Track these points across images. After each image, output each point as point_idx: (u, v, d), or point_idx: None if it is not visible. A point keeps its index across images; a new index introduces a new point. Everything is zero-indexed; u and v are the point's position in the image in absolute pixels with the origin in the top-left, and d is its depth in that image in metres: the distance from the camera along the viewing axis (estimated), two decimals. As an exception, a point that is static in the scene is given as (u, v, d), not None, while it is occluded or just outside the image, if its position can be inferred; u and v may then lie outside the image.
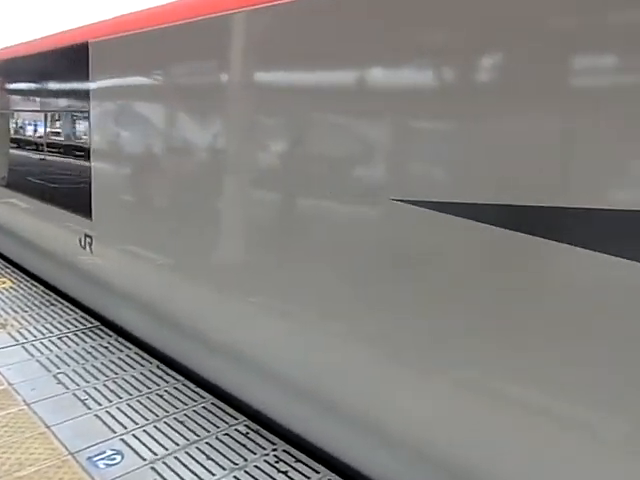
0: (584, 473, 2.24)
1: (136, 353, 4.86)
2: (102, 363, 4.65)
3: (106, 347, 4.97)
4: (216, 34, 3.74)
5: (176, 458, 3.41)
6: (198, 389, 4.25)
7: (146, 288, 4.77)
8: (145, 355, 4.81)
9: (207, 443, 3.58)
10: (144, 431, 3.68)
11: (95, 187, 5.25)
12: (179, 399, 4.11)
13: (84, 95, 5.23)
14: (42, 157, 6.57)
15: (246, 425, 3.78)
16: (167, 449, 3.49)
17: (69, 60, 5.53)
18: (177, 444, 3.55)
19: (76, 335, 5.20)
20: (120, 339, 5.13)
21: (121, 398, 4.08)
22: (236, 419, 3.85)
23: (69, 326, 5.40)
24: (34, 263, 6.96)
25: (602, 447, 2.19)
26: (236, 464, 3.37)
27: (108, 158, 5.22)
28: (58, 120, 6.49)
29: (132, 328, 5.12)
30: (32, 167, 6.81)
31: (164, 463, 3.35)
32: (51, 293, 6.28)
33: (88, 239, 5.39)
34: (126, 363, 4.67)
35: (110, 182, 5.19)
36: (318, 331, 3.25)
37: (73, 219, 5.66)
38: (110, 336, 5.21)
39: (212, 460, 3.40)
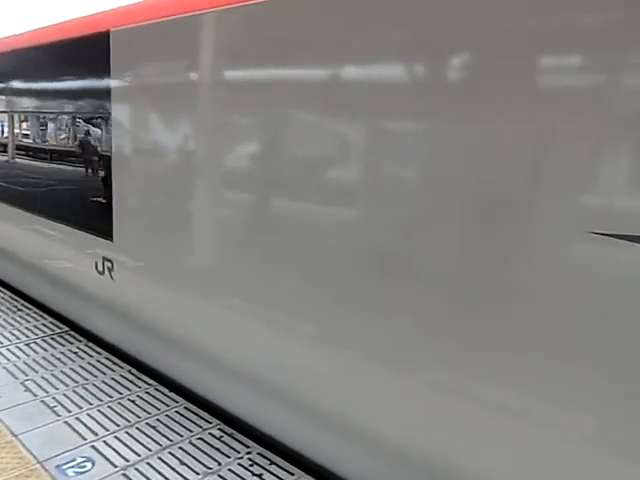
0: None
1: (107, 358, 4.77)
2: (71, 369, 4.55)
3: (75, 352, 4.87)
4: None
5: (148, 464, 3.36)
6: (171, 393, 4.20)
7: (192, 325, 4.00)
8: (116, 360, 4.73)
9: (180, 448, 3.54)
10: (115, 437, 3.62)
11: (118, 203, 4.46)
12: (151, 404, 4.05)
13: (102, 95, 4.51)
14: (45, 166, 5.80)
15: (220, 429, 3.75)
16: (139, 455, 3.44)
17: (83, 53, 4.73)
18: (149, 450, 3.50)
19: (44, 341, 5.08)
20: (90, 344, 5.03)
21: (91, 404, 4.01)
22: (210, 423, 3.82)
23: (37, 332, 5.27)
24: (39, 289, 6.08)
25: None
26: (210, 468, 3.34)
27: (136, 168, 4.41)
28: (66, 125, 5.55)
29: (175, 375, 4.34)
30: (32, 178, 6.00)
31: (136, 469, 3.30)
32: (19, 299, 6.12)
33: (107, 263, 4.65)
34: (96, 368, 4.58)
35: (140, 197, 4.40)
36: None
37: (87, 240, 4.88)
38: (80, 341, 5.10)
39: (185, 465, 3.36)
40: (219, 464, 3.38)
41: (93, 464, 3.32)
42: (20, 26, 5.86)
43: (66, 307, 5.60)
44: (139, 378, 4.43)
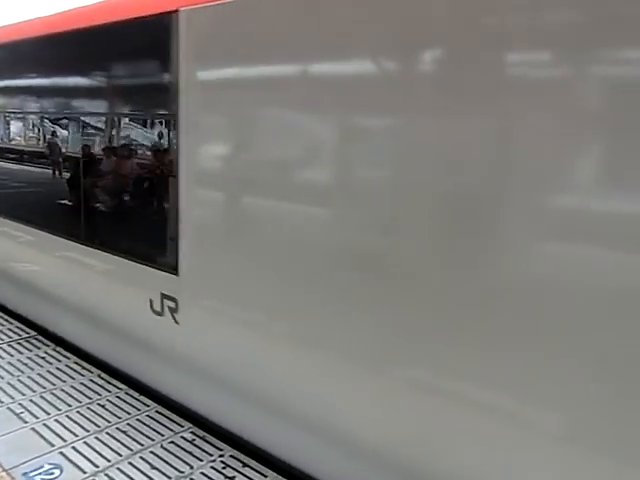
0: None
1: (76, 363, 4.68)
2: (39, 374, 4.45)
3: (43, 357, 4.76)
4: None
5: (119, 469, 3.31)
6: (142, 397, 4.15)
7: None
8: (85, 364, 4.64)
9: (152, 452, 3.50)
10: (85, 443, 3.55)
11: (187, 227, 3.55)
12: (122, 408, 3.99)
13: (163, 91, 3.72)
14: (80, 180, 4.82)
15: (192, 432, 3.72)
16: (109, 460, 3.39)
17: (134, 40, 3.88)
18: (120, 455, 3.45)
19: (10, 346, 4.95)
20: (58, 349, 4.93)
21: (60, 410, 3.92)
22: (182, 426, 3.78)
23: (3, 337, 5.13)
24: (67, 327, 5.05)
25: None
26: (182, 472, 3.31)
27: (215, 182, 3.51)
28: (110, 127, 4.69)
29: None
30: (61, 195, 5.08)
31: (106, 475, 3.25)
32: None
33: (169, 302, 3.68)
34: (65, 373, 4.49)
35: (223, 219, 3.50)
36: None
37: (138, 271, 3.93)
38: (47, 346, 4.99)
39: (157, 469, 3.33)
40: (191, 467, 3.35)
41: (61, 471, 3.25)
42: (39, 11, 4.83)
43: (105, 350, 4.63)
44: (109, 382, 4.36)
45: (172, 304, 3.61)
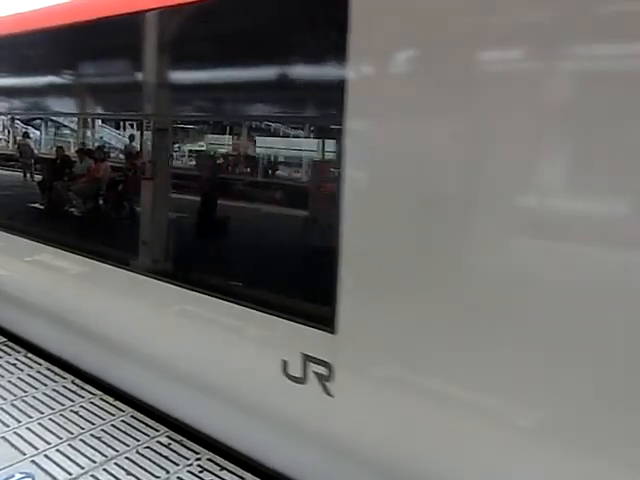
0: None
1: (48, 369, 4.57)
2: (9, 381, 4.34)
3: (14, 364, 4.64)
4: None
5: (93, 476, 3.25)
6: (117, 402, 4.08)
7: None
8: (58, 370, 4.54)
9: (127, 458, 3.44)
10: (57, 450, 3.48)
11: (355, 266, 2.70)
12: (96, 414, 3.92)
13: (319, 90, 2.96)
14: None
15: (168, 436, 3.67)
16: (83, 468, 3.32)
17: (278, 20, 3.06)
18: (94, 462, 3.39)
19: (-21, 353, 4.83)
20: (30, 355, 4.81)
21: (31, 417, 3.83)
22: (157, 431, 3.73)
23: (-29, 344, 5.00)
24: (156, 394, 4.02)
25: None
26: (157, 477, 3.27)
27: (410, 203, 2.53)
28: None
29: None
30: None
31: (80, 482, 3.19)
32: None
33: (317, 367, 2.83)
34: (37, 380, 4.39)
35: (419, 259, 2.54)
36: None
37: (268, 324, 3.09)
38: (18, 352, 4.87)
39: (132, 475, 3.28)
40: (167, 472, 3.31)
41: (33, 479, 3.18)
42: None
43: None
44: (82, 388, 4.27)
45: (322, 370, 2.80)
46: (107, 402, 4.09)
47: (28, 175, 5.63)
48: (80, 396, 4.17)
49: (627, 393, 2.05)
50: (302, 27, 3.01)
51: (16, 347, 4.97)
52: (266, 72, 3.34)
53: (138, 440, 3.62)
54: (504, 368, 2.28)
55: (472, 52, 2.30)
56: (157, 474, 3.29)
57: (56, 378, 4.43)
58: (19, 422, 3.77)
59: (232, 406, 3.39)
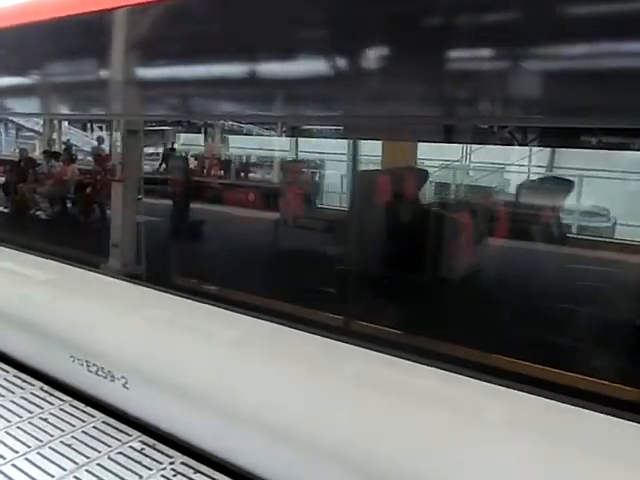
0: None
1: (15, 376, 4.45)
2: (-26, 390, 4.22)
3: (-21, 372, 4.52)
4: None
5: (63, 484, 3.19)
6: (88, 408, 4.00)
7: None
8: (25, 377, 4.43)
9: (98, 464, 3.38)
10: (26, 459, 3.39)
11: None
12: (66, 421, 3.84)
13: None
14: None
15: (141, 441, 3.62)
16: (52, 476, 3.25)
17: None
18: (64, 469, 3.32)
19: (-58, 362, 4.67)
20: (-4, 362, 4.69)
21: (-2, 426, 3.74)
22: (130, 435, 3.68)
23: None
24: None
25: None
26: (130, 483, 3.23)
27: None
28: None
29: None
30: None
31: (49, 491, 3.13)
32: None
33: None
34: (3, 387, 4.27)
35: None
36: None
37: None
38: (-16, 360, 4.74)
39: (104, 481, 3.23)
40: (140, 477, 3.27)
41: (0, 489, 3.11)
42: None
43: None
44: (52, 395, 4.18)
45: None
46: (77, 408, 4.01)
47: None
48: (49, 403, 4.07)
49: None
50: None
51: (-19, 355, 4.83)
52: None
53: (110, 446, 3.57)
54: None
55: None
56: (130, 479, 3.25)
57: (24, 385, 4.32)
58: (-15, 431, 3.67)
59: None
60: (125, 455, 3.47)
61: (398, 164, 3.30)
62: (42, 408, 4.00)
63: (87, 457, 3.44)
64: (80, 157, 4.98)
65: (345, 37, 2.71)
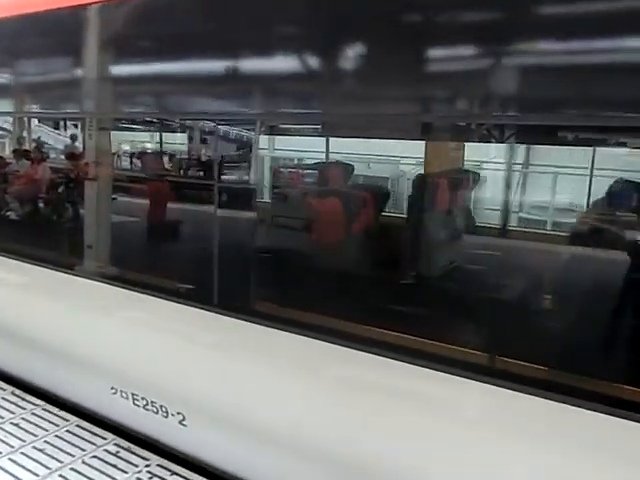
0: None
1: (-15, 381, 4.35)
2: (-58, 396, 4.10)
3: (-53, 378, 4.40)
4: None
5: (35, 490, 3.12)
6: (61, 412, 3.92)
7: None
8: (-4, 382, 4.33)
9: (72, 469, 3.31)
10: (-4, 465, 3.32)
11: None
12: (38, 425, 3.75)
13: None
14: None
15: (116, 444, 3.56)
16: (24, 482, 3.19)
17: None
18: (36, 474, 3.24)
19: None
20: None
21: (-33, 433, 3.64)
22: (104, 439, 3.61)
23: None
24: None
25: None
26: (105, 486, 3.18)
27: None
28: None
29: None
30: None
31: (21, 497, 3.05)
32: None
33: None
34: (-27, 393, 4.17)
35: None
36: None
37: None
38: (-47, 365, 4.60)
39: (78, 486, 3.17)
40: (115, 481, 3.22)
41: (-31, 497, 3.02)
42: None
43: None
44: (23, 399, 4.08)
45: None
46: (50, 412, 3.92)
47: None
48: (21, 407, 3.98)
49: None
50: None
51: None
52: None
53: (84, 450, 3.50)
54: None
55: None
56: (104, 483, 3.20)
57: (-5, 390, 4.22)
58: (-47, 438, 3.57)
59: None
60: (100, 459, 3.41)
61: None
62: (13, 413, 3.90)
63: (60, 462, 3.37)
64: (53, 155, 4.86)
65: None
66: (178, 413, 3.31)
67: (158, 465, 3.34)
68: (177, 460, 3.38)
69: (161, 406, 3.38)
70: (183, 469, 3.30)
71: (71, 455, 3.44)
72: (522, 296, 2.52)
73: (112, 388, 3.60)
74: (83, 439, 3.61)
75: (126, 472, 3.29)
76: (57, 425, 3.77)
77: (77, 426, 3.76)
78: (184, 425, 3.30)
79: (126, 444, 3.54)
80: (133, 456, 3.43)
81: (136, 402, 3.49)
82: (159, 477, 3.24)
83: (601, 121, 2.13)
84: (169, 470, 3.29)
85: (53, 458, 3.41)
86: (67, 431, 3.70)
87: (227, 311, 3.01)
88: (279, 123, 3.34)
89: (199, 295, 3.16)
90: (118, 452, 3.47)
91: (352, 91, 2.74)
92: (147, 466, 3.34)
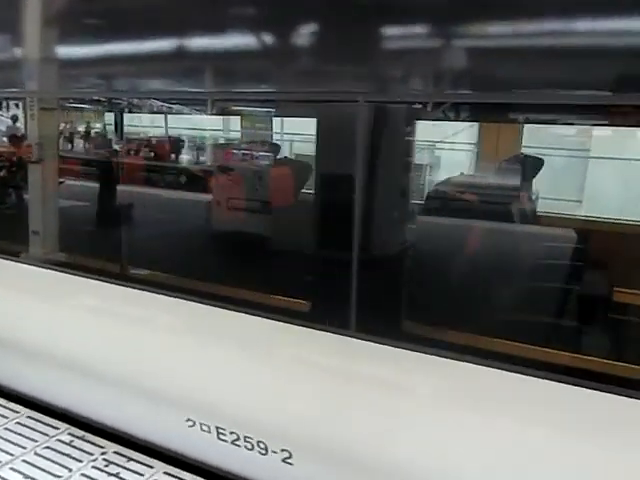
0: None
1: None
2: None
3: None
4: None
5: (-15, 484, 3.02)
6: (11, 404, 3.78)
7: None
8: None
9: (24, 461, 3.21)
10: (-59, 461, 3.18)
11: None
12: (-15, 419, 3.62)
13: None
14: None
15: (70, 433, 3.47)
16: (-28, 476, 3.07)
17: None
18: (-15, 468, 3.14)
19: None
20: None
21: None
22: (57, 429, 3.51)
23: None
24: None
25: None
26: (59, 476, 3.08)
27: None
28: None
29: None
30: None
31: (-31, 492, 2.95)
32: None
33: None
34: None
35: None
36: None
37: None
38: None
39: (30, 478, 3.07)
40: (70, 470, 3.14)
41: None
42: None
43: None
44: (-31, 393, 3.93)
45: None
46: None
47: None
48: (-34, 402, 3.83)
49: None
50: None
51: None
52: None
53: (36, 441, 3.40)
54: None
55: None
56: (59, 474, 3.11)
57: (-63, 384, 4.03)
58: None
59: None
60: (53, 449, 3.32)
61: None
62: (-42, 407, 3.75)
63: (11, 454, 3.26)
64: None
65: None
66: (282, 450, 2.80)
67: (115, 452, 3.29)
68: (134, 446, 3.33)
69: (258, 442, 2.85)
70: (140, 454, 3.25)
71: (22, 447, 3.33)
72: None
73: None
74: (35, 430, 3.51)
75: (81, 461, 3.22)
76: (6, 417, 3.64)
77: (28, 417, 3.64)
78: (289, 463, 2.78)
79: (80, 433, 3.46)
80: (88, 444, 3.36)
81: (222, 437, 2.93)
82: (116, 464, 3.19)
83: None
84: (125, 456, 3.24)
85: (3, 451, 3.30)
86: (17, 423, 3.58)
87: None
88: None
89: None
90: (72, 441, 3.39)
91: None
92: (103, 454, 3.27)
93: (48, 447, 3.34)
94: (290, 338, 2.69)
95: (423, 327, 2.47)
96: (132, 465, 3.18)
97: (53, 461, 3.22)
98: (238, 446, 2.90)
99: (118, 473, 3.12)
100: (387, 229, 2.61)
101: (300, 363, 2.76)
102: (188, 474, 3.10)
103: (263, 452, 2.83)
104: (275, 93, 2.82)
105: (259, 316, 2.71)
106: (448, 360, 2.29)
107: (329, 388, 2.62)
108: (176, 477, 3.09)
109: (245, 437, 2.86)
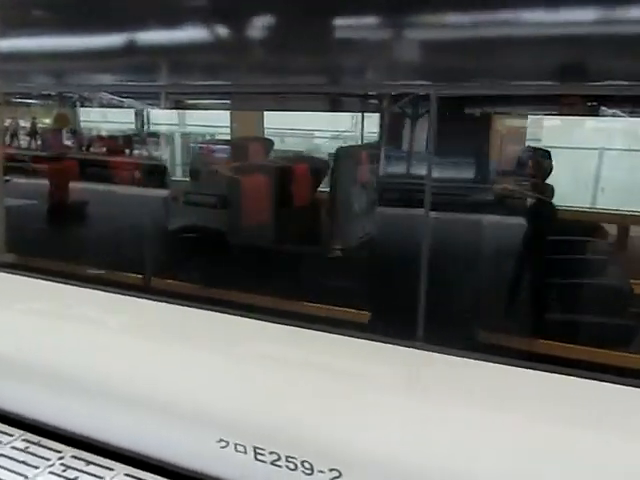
0: None
1: None
2: None
3: None
4: None
5: None
6: (-40, 413, 3.64)
7: None
8: None
9: (-24, 470, 3.11)
10: None
11: None
12: None
13: None
14: None
15: (25, 439, 3.36)
16: None
17: None
18: None
19: None
20: None
21: None
22: (11, 435, 3.40)
23: None
24: None
25: None
26: (15, 484, 3.00)
27: None
28: None
29: None
30: None
31: None
32: None
33: None
34: None
35: None
36: None
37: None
38: None
39: (-16, 487, 2.98)
40: (26, 478, 3.05)
41: None
42: None
43: None
44: None
45: None
46: (-52, 415, 3.63)
47: None
48: None
49: None
50: None
51: None
52: None
53: (-12, 449, 3.28)
54: None
55: None
56: (14, 481, 3.02)
57: None
58: None
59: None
60: (7, 457, 3.22)
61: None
62: None
63: (-38, 465, 3.15)
64: None
65: None
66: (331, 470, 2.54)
67: (73, 456, 3.21)
68: (95, 450, 3.25)
69: (303, 462, 2.60)
70: (99, 457, 3.19)
71: (-26, 456, 3.22)
72: None
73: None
74: (-14, 438, 3.39)
75: (37, 467, 3.13)
76: (-44, 427, 3.50)
77: (-21, 425, 3.51)
78: None
79: (36, 438, 3.36)
80: (44, 450, 3.27)
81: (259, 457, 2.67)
82: (74, 469, 3.11)
83: None
84: (84, 460, 3.17)
85: (-48, 462, 3.17)
86: (-32, 432, 3.45)
87: None
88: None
89: None
90: (27, 447, 3.29)
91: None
92: (60, 458, 3.20)
93: (2, 455, 3.23)
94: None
95: None
96: (91, 469, 3.12)
97: (7, 469, 3.12)
98: (279, 467, 2.66)
99: (77, 478, 3.04)
100: None
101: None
102: (149, 474, 3.05)
103: (308, 472, 2.58)
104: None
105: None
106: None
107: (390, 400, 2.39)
108: (137, 478, 3.04)
109: (287, 457, 2.62)
